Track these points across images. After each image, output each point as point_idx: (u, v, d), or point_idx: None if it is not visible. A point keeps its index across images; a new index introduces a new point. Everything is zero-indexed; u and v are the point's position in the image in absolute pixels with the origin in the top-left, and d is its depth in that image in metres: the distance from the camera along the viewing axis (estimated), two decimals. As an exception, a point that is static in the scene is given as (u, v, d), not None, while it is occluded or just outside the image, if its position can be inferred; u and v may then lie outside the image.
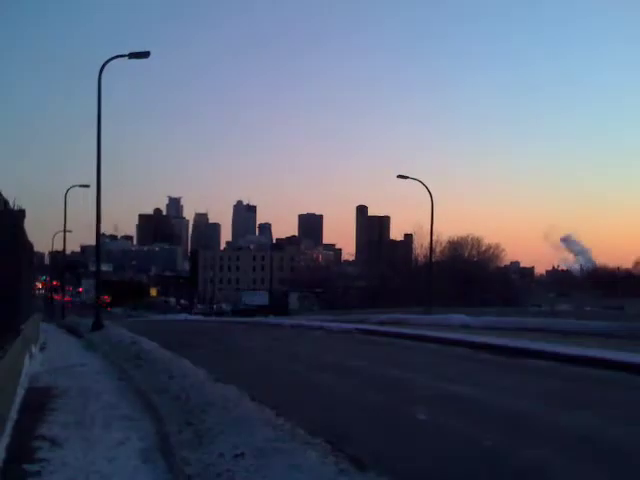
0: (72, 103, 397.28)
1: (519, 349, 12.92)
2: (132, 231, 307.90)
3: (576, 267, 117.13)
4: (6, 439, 6.00)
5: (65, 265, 61.90)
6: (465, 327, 21.30)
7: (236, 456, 4.62)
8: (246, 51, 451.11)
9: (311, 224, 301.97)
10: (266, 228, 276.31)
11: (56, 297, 62.95)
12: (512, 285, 79.71)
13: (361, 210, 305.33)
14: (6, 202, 6.64)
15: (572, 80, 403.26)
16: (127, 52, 21.93)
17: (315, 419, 6.39)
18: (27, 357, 11.11)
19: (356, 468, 4.32)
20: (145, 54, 21.95)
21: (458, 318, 24.42)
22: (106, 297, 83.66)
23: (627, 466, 5.03)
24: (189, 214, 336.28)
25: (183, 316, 54.36)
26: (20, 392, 8.27)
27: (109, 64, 22.21)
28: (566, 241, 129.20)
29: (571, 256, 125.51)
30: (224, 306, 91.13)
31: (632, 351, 11.64)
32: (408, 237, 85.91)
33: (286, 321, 31.51)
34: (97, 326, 20.93)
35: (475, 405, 7.53)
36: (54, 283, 70.55)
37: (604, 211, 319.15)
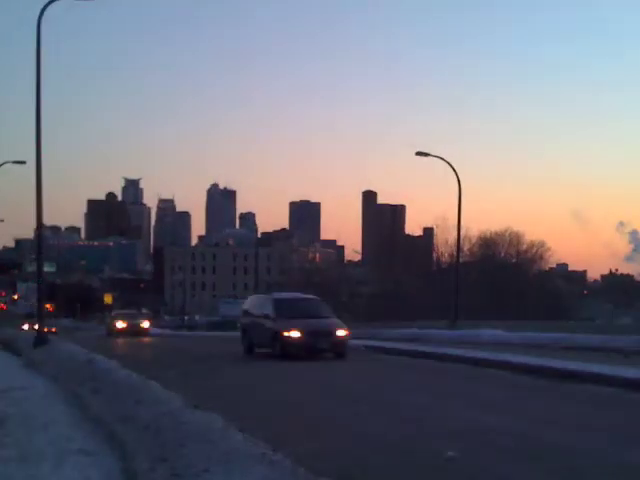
0: (6, 58, 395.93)
1: (568, 371, 13.12)
2: (80, 221, 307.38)
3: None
4: None
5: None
6: (500, 344, 21.47)
7: (225, 499, 4.73)
8: (223, 4, 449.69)
9: (306, 214, 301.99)
10: (249, 219, 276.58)
11: None
12: (559, 293, 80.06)
13: (369, 197, 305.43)
14: None
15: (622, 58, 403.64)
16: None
17: (318, 455, 6.53)
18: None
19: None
20: None
21: (491, 333, 24.65)
22: (49, 305, 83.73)
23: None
24: (151, 200, 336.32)
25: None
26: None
27: (51, 8, 22.11)
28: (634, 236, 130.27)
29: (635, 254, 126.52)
30: (197, 318, 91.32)
31: None
32: (428, 232, 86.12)
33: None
34: (41, 341, 21.06)
35: (514, 440, 7.65)
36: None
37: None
